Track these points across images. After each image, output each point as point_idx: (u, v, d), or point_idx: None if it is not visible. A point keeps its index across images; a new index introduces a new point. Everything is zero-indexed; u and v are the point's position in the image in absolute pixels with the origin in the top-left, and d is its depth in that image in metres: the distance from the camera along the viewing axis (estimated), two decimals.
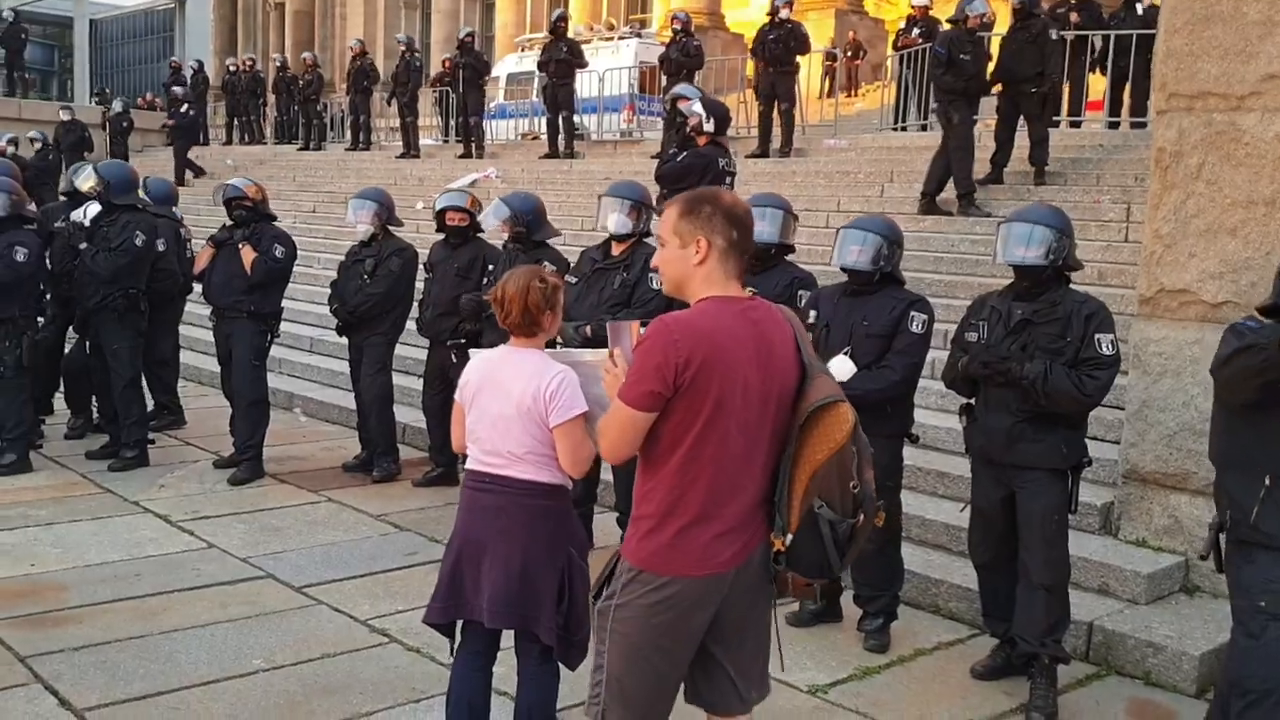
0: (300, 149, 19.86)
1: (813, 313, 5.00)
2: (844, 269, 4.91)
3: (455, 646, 3.62)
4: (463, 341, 6.64)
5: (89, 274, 7.16)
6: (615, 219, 5.76)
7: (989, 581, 4.68)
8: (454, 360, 6.69)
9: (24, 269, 6.84)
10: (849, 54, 22.17)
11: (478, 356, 3.67)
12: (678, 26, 14.32)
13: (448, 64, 17.80)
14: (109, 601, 5.01)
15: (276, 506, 6.62)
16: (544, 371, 3.38)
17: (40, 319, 7.66)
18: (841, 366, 4.77)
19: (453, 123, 18.01)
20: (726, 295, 2.81)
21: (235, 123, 22.13)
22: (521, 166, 15.30)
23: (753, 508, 2.82)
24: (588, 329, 5.63)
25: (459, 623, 3.59)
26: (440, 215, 6.97)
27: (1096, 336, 4.30)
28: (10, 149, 16.62)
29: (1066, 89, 11.59)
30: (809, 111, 15.48)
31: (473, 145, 16.67)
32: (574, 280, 5.91)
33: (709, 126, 8.17)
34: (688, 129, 8.35)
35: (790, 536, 2.79)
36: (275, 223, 7.47)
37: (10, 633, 4.60)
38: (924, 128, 12.57)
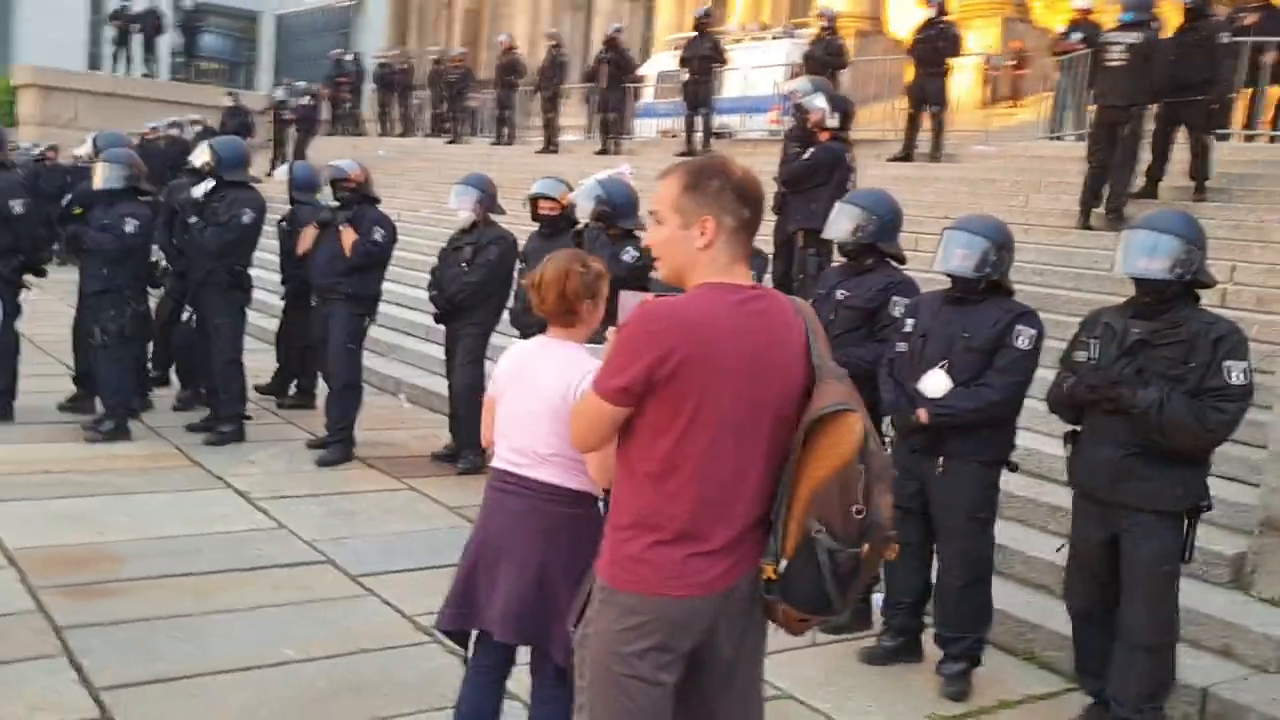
0: (448, 142, 20.06)
1: (909, 322, 4.57)
2: (947, 274, 4.46)
3: (469, 656, 3.36)
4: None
5: (196, 248, 7.21)
6: None
7: (1085, 633, 4.17)
8: None
9: (132, 240, 6.90)
10: (1014, 62, 21.21)
11: (513, 346, 3.40)
12: (824, 24, 13.85)
13: (595, 61, 17.67)
14: (161, 576, 4.93)
15: (355, 491, 6.51)
16: (577, 366, 3.07)
17: (152, 289, 7.77)
18: (936, 382, 4.34)
19: (596, 119, 17.88)
20: (726, 282, 2.44)
21: (387, 115, 22.53)
22: (657, 164, 15.00)
23: (746, 527, 2.45)
24: None
25: (475, 631, 3.32)
26: (533, 204, 6.76)
27: (1225, 364, 3.76)
28: (174, 130, 17.32)
29: (1247, 97, 10.66)
30: (966, 119, 14.80)
31: (611, 142, 16.51)
32: (656, 274, 5.60)
33: (832, 121, 7.75)
34: (809, 124, 7.94)
35: (785, 563, 2.40)
36: (378, 205, 7.37)
37: (55, 599, 4.54)
38: (1080, 138, 11.81)
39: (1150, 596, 3.85)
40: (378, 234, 7.08)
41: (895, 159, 12.59)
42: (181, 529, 5.56)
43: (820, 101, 7.84)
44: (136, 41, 23.42)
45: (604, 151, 16.51)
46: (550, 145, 17.53)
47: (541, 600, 3.12)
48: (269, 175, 20.59)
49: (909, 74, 13.39)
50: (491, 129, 19.97)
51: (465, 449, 7.12)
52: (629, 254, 6.11)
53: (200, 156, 7.31)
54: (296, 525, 5.75)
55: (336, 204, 7.20)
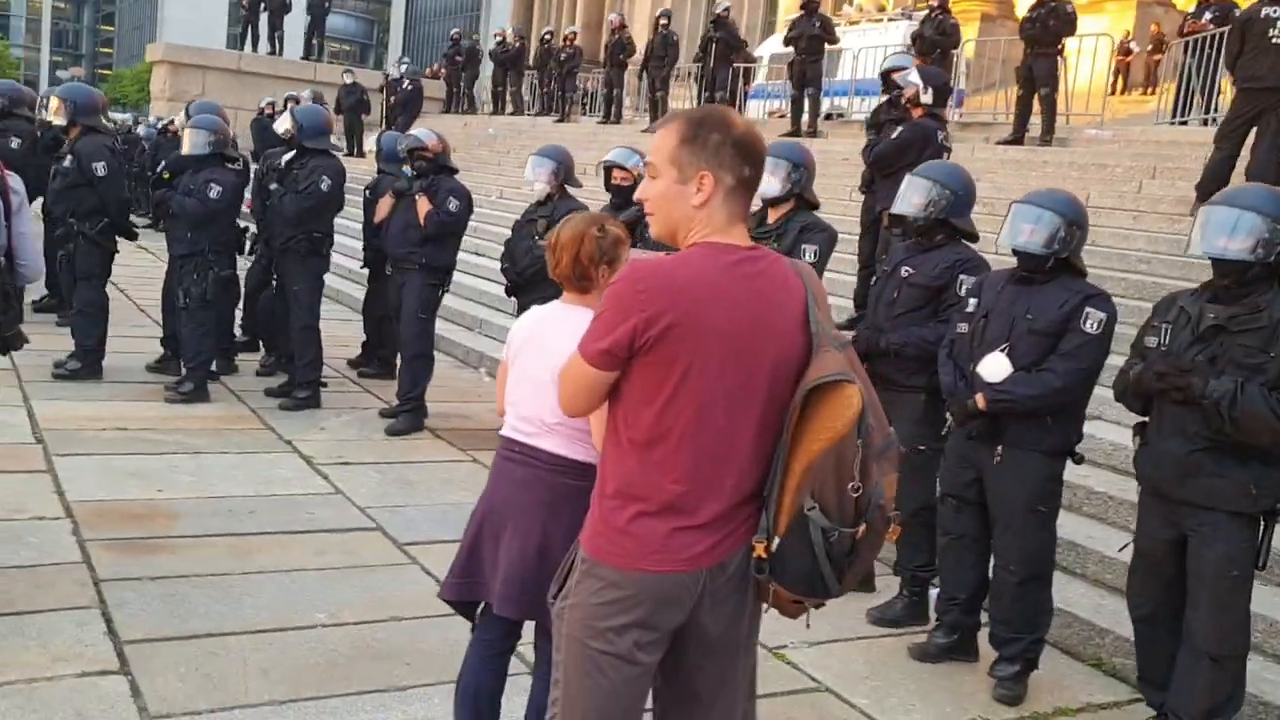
0: (556, 121, 20.09)
1: (972, 301, 4.32)
2: (1014, 250, 4.19)
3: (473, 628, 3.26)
4: None
5: (277, 215, 7.28)
6: (764, 180, 5.20)
7: (1148, 639, 3.88)
8: None
9: (214, 205, 6.99)
10: (1150, 48, 20.30)
11: (528, 312, 3.28)
12: (934, 2, 13.39)
13: (703, 40, 17.47)
14: (209, 535, 4.96)
15: (420, 461, 6.49)
16: None
17: (240, 255, 7.89)
18: (995, 366, 4.09)
19: (704, 98, 17.65)
20: (722, 242, 2.28)
21: (501, 94, 22.68)
22: None
23: (738, 501, 2.29)
24: None
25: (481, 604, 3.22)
26: (606, 173, 6.63)
27: None
28: (292, 105, 17.69)
29: None
30: (1093, 105, 14.15)
31: None
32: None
33: (926, 97, 7.44)
34: (904, 100, 7.64)
35: (777, 541, 2.24)
36: (455, 176, 7.33)
37: (102, 553, 4.60)
38: (1205, 122, 11.19)
39: (1217, 602, 3.55)
40: (452, 204, 7.04)
41: (1004, 142, 12.13)
42: (240, 490, 5.61)
43: (914, 76, 7.53)
44: (264, 20, 23.99)
45: None
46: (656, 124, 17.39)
47: (542, 573, 2.98)
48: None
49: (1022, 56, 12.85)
50: (601, 108, 19.92)
51: None
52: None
53: (283, 124, 7.37)
54: (353, 491, 5.75)
55: (414, 174, 7.19)
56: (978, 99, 17.82)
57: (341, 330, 9.40)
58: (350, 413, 7.42)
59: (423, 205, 6.96)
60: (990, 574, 4.32)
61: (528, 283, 6.94)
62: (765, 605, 2.42)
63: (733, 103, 17.06)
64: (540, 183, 6.94)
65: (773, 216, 5.25)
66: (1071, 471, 4.33)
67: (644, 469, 2.27)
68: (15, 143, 8.61)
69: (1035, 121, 12.17)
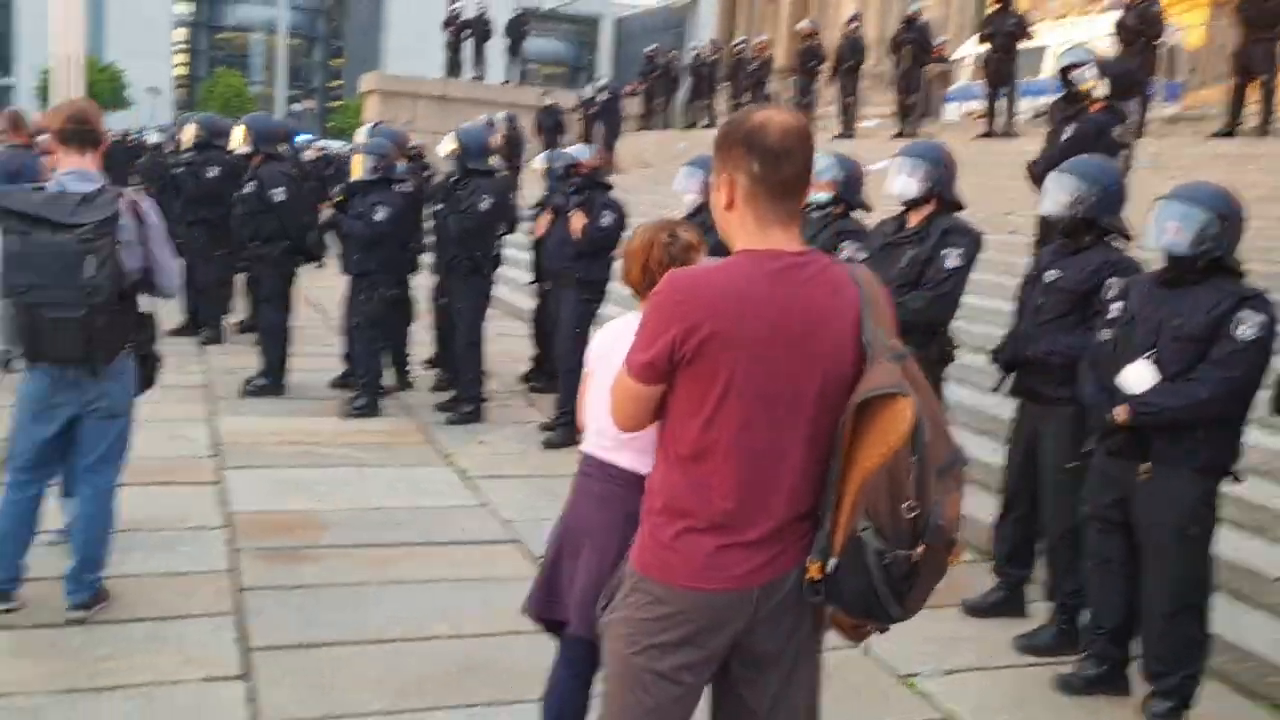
0: None
1: (1117, 305, 4.00)
2: (1162, 250, 3.86)
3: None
4: None
5: (442, 235, 7.50)
6: (900, 181, 4.98)
7: None
8: None
9: (380, 228, 7.26)
10: None
11: (608, 324, 3.23)
12: None
13: (894, 42, 17.03)
14: (354, 546, 5.13)
15: (570, 474, 6.51)
16: None
17: (413, 273, 8.18)
18: (1138, 375, 3.78)
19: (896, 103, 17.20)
20: (764, 249, 2.17)
21: (696, 107, 22.77)
22: (957, 147, 14.26)
23: (791, 519, 2.20)
24: None
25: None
26: None
27: None
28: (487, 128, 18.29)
29: None
30: None
31: (910, 126, 15.83)
32: (863, 256, 5.22)
33: (1101, 90, 6.98)
34: (1080, 95, 7.19)
35: (832, 561, 2.14)
36: (610, 191, 7.37)
37: (250, 561, 4.82)
38: None
39: None
40: (606, 219, 7.08)
41: (1217, 135, 11.29)
42: (392, 502, 5.78)
43: (1090, 72, 7.07)
44: (468, 47, 24.94)
45: (902, 135, 15.87)
46: (847, 130, 17.07)
47: None
48: None
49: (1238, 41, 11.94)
50: None
51: None
52: (845, 248, 5.74)
53: (446, 146, 7.59)
54: (500, 504, 5.84)
55: (570, 190, 7.27)
56: (1204, 93, 16.71)
57: (519, 345, 9.58)
58: (512, 426, 7.55)
59: (577, 221, 7.02)
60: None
61: None
62: (826, 627, 2.30)
63: (927, 106, 16.59)
64: (691, 193, 6.89)
65: (913, 220, 5.03)
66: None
67: (690, 484, 2.20)
68: (213, 172, 9.22)
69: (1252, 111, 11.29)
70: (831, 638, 4.40)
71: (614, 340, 3.07)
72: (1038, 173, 7.35)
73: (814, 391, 2.15)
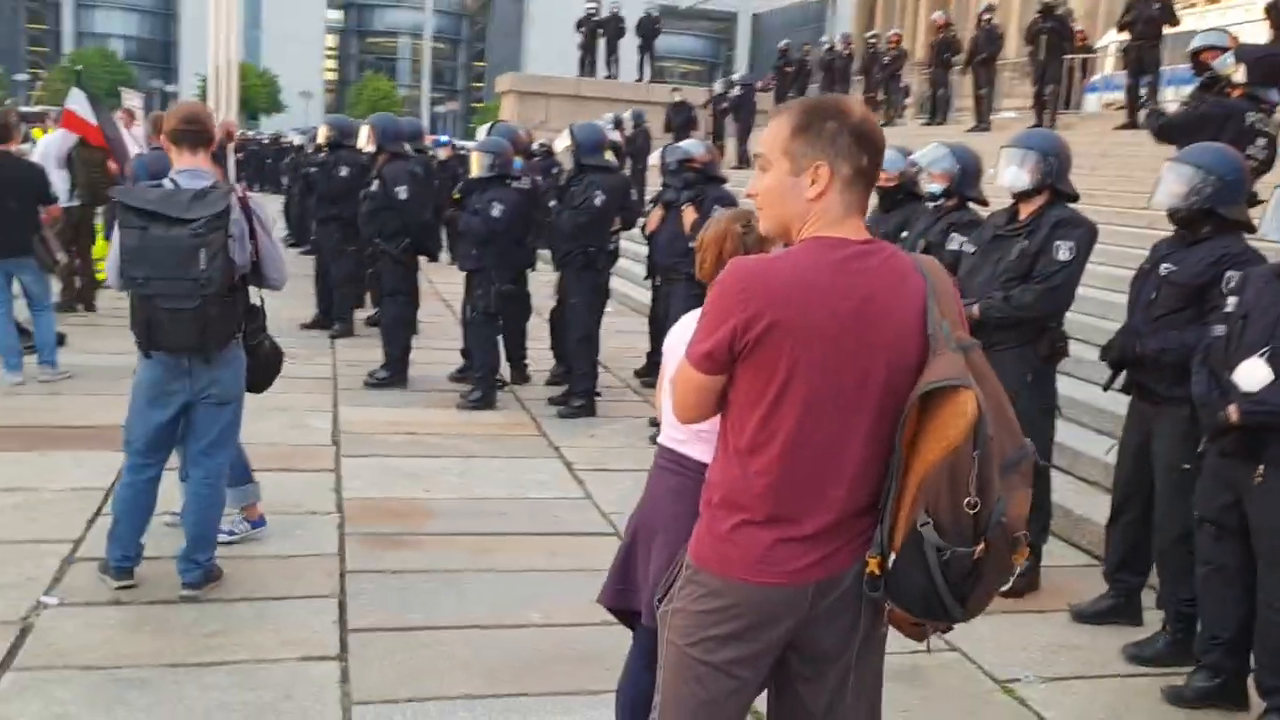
0: (882, 124, 19.69)
1: (1232, 300, 3.80)
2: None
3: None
4: None
5: (556, 230, 7.59)
6: (1010, 173, 4.82)
7: None
8: None
9: (495, 224, 7.39)
10: None
11: (684, 317, 3.22)
12: None
13: (1030, 31, 16.52)
14: (457, 534, 5.23)
15: None
16: None
17: (529, 268, 8.30)
18: (1252, 372, 3.60)
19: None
20: (832, 237, 2.14)
21: None
22: (1089, 138, 13.76)
23: (850, 514, 2.16)
24: (975, 309, 4.79)
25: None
26: None
27: None
28: (610, 126, 18.43)
29: None
30: None
31: (1047, 116, 15.34)
32: (971, 250, 5.08)
33: (1239, 76, 6.63)
34: (1215, 81, 6.85)
35: (892, 557, 2.09)
36: (724, 186, 7.34)
37: (357, 546, 4.96)
38: None
39: None
40: (719, 213, 7.04)
41: None
42: (497, 492, 5.88)
43: (1227, 57, 6.73)
44: (602, 45, 25.21)
45: (1039, 126, 15.40)
46: (981, 123, 16.65)
47: None
48: None
49: None
50: (928, 110, 19.32)
51: None
52: (954, 239, 5.59)
53: (561, 142, 7.67)
54: (601, 497, 5.88)
55: (681, 185, 7.27)
56: None
57: (638, 341, 9.62)
58: (624, 421, 7.58)
59: (688, 216, 7.02)
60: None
61: None
62: (886, 623, 2.25)
63: (1067, 97, 16.06)
64: None
65: (1024, 212, 4.87)
66: None
67: (747, 477, 2.17)
68: (343, 171, 9.51)
69: None
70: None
71: (686, 333, 3.06)
72: (1155, 126, 7.05)
73: (877, 383, 2.10)
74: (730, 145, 21.26)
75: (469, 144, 22.94)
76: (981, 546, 2.02)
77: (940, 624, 2.18)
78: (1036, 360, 4.81)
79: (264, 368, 4.67)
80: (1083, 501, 5.66)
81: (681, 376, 2.24)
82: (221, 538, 4.84)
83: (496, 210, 7.38)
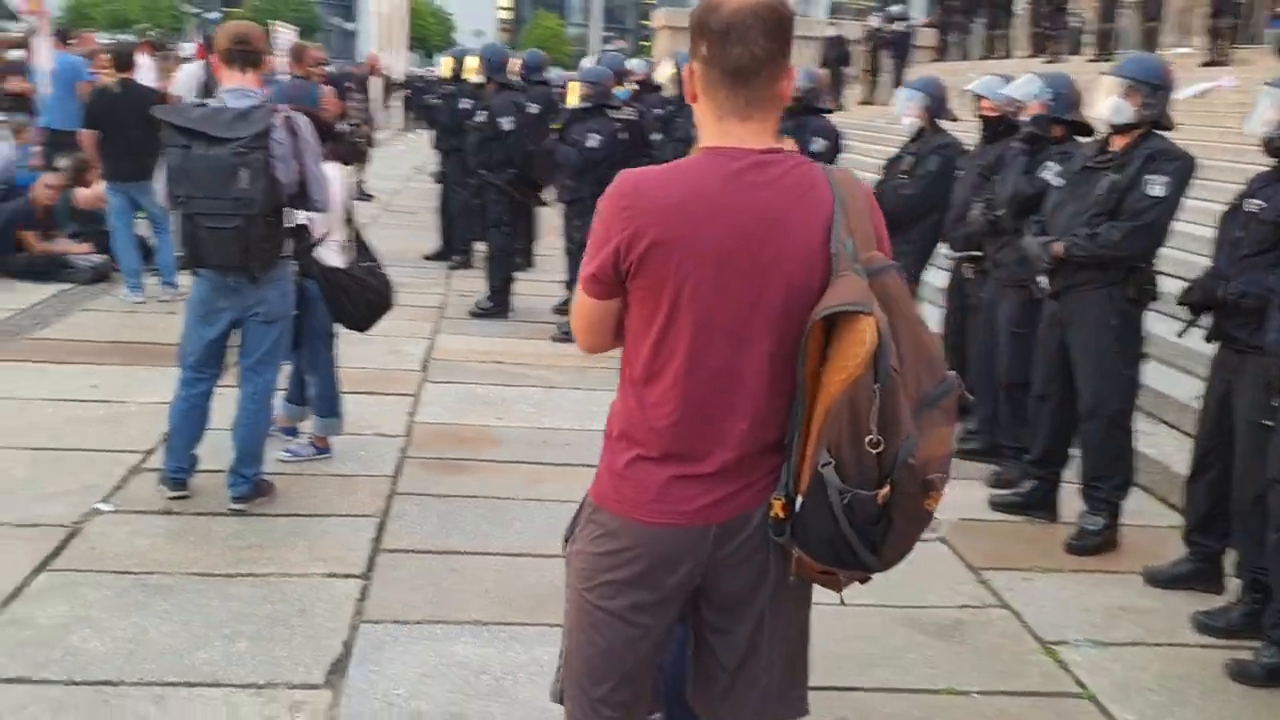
0: (1045, 63, 18.61)
1: None
2: None
3: None
4: (978, 255, 5.70)
5: (658, 162, 7.43)
6: (1111, 103, 4.44)
7: None
8: (968, 276, 5.82)
9: (591, 154, 7.28)
10: None
11: None
12: None
13: None
14: (516, 462, 5.22)
15: None
16: None
17: None
18: None
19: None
20: (725, 147, 1.94)
21: (993, 37, 21.47)
22: (1265, 75, 12.69)
23: (757, 451, 1.99)
24: (1058, 247, 4.46)
25: None
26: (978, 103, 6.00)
27: None
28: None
29: None
30: None
31: (1221, 51, 14.24)
32: (1059, 183, 4.73)
33: None
34: None
35: (800, 500, 1.92)
36: (826, 116, 7.04)
37: (414, 469, 5.02)
38: None
39: None
40: (817, 144, 6.78)
41: None
42: (567, 424, 5.83)
43: None
44: None
45: (1211, 63, 14.32)
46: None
47: None
48: (861, 103, 20.78)
49: None
50: (1096, 45, 18.17)
51: None
52: (1049, 169, 5.22)
53: (665, 70, 7.48)
54: None
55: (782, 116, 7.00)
56: None
57: None
58: None
59: (786, 146, 6.76)
60: None
61: (894, 224, 6.51)
62: (796, 572, 2.06)
63: (1246, 30, 14.84)
64: (909, 117, 6.46)
65: (1118, 143, 4.49)
66: None
67: (643, 409, 2.01)
68: (465, 104, 9.54)
69: None
70: (975, 594, 4.08)
71: None
72: None
73: (774, 306, 1.92)
74: (885, 82, 20.53)
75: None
76: (886, 489, 1.84)
77: (854, 573, 1.99)
78: (1123, 302, 4.47)
79: (355, 303, 4.75)
80: (1184, 457, 5.24)
81: (577, 304, 2.09)
82: (284, 456, 4.98)
83: (592, 141, 7.28)
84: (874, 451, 1.82)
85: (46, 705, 3.06)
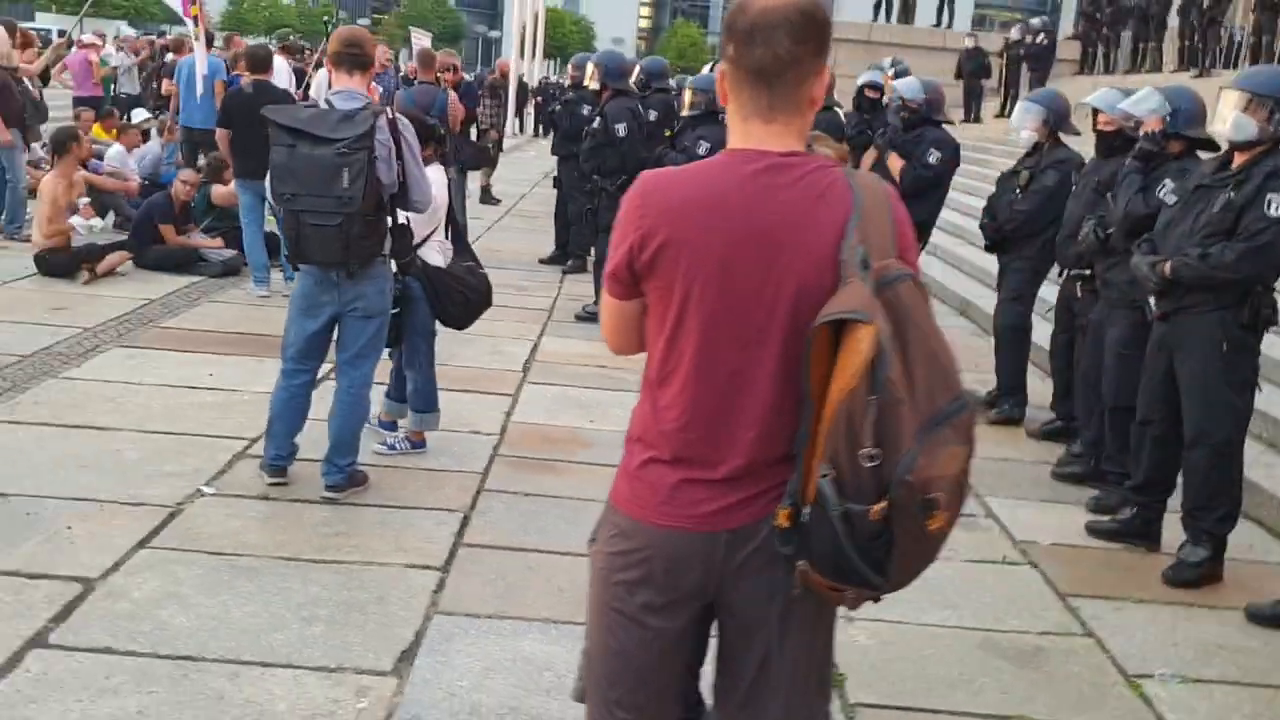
0: (1194, 76, 17.89)
1: None
2: None
3: None
4: (1087, 273, 5.53)
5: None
6: (1232, 118, 4.25)
7: None
8: (1078, 295, 5.65)
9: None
10: None
11: None
12: None
13: None
14: (604, 465, 5.17)
15: None
16: None
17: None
18: None
19: None
20: (745, 148, 1.93)
21: (1140, 50, 20.75)
22: None
23: (764, 459, 1.95)
24: (1167, 267, 4.31)
25: None
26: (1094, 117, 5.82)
27: None
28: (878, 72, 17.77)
29: None
30: None
31: None
32: (1172, 200, 4.55)
33: None
34: None
35: (806, 510, 1.87)
36: (943, 127, 6.91)
37: (503, 467, 5.11)
38: None
39: None
40: (932, 156, 6.68)
41: None
42: None
43: None
44: None
45: None
46: None
47: None
48: (998, 116, 20.28)
49: None
50: (1248, 58, 17.40)
51: (1004, 395, 6.49)
52: (1165, 187, 5.02)
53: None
54: None
55: (900, 127, 6.91)
56: None
57: None
58: None
59: (894, 161, 6.68)
60: None
61: (1007, 240, 6.38)
62: (795, 588, 1.96)
63: None
64: (1027, 130, 6.31)
65: (1238, 159, 4.31)
66: None
67: (656, 411, 2.02)
68: (585, 109, 9.66)
69: None
70: (1059, 621, 3.95)
71: None
72: None
73: (783, 312, 1.89)
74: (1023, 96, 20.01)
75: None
76: (881, 505, 1.78)
77: (863, 591, 1.92)
78: (1235, 327, 4.27)
79: (454, 302, 4.87)
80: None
81: (603, 304, 2.12)
82: (381, 449, 5.12)
83: (703, 148, 7.27)
84: (868, 465, 1.77)
85: (129, 675, 3.20)
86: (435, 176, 4.94)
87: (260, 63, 7.99)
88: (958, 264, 10.90)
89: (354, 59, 4.37)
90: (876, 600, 1.96)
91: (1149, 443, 4.62)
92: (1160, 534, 4.75)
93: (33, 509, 4.22)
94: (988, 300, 8.80)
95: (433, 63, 9.97)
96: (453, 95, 9.89)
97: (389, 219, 4.42)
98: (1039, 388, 6.52)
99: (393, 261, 4.59)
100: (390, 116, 4.32)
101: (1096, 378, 5.22)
